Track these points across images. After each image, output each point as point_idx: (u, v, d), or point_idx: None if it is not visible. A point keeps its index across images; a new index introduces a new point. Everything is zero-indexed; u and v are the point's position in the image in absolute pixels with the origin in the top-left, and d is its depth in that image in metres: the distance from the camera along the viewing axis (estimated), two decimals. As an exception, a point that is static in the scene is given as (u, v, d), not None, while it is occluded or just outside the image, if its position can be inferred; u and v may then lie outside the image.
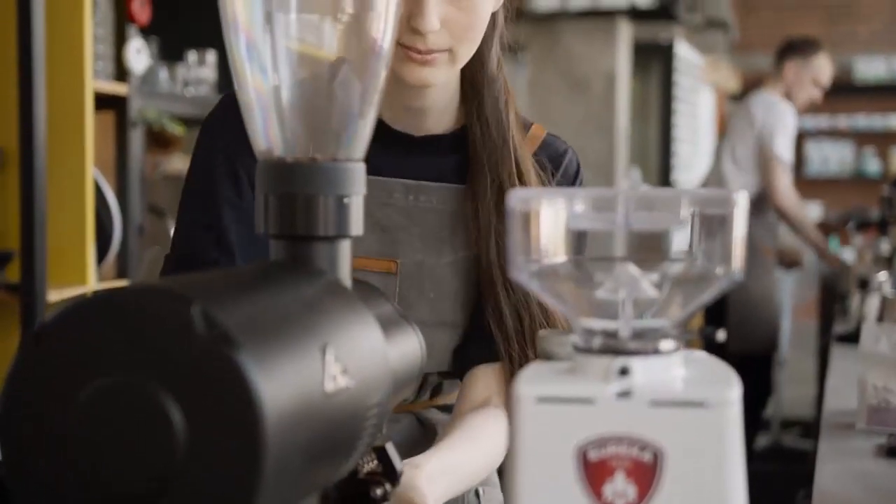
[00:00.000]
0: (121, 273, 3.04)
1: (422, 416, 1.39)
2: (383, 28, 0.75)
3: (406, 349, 0.80)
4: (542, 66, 5.49)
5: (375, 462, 0.79)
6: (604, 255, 0.69)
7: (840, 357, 2.65)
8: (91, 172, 2.85)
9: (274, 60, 0.73)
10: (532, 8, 5.48)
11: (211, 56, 3.55)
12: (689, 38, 7.55)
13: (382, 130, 1.31)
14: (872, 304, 2.60)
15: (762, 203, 4.48)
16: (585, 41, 5.67)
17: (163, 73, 3.39)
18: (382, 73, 0.76)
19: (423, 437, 1.37)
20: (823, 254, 4.73)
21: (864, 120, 9.38)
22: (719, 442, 0.61)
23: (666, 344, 0.64)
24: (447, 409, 1.41)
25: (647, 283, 0.64)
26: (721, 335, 0.63)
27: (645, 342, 0.64)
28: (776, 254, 4.71)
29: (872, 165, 9.44)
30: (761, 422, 5.11)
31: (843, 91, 7.85)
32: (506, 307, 1.29)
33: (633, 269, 0.65)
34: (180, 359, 0.55)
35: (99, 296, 0.58)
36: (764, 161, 4.42)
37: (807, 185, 9.21)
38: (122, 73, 3.04)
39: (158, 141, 3.90)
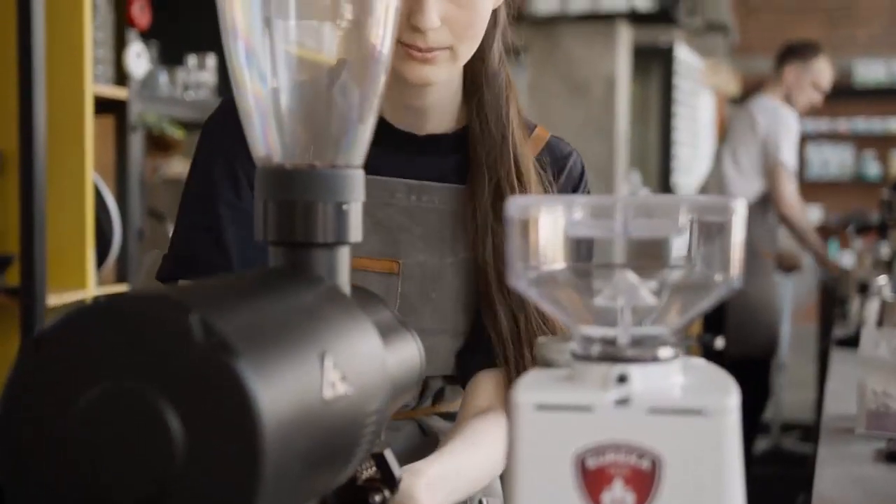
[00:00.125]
0: (120, 277, 3.05)
1: (424, 423, 1.39)
2: (382, 33, 0.75)
3: (405, 356, 0.80)
4: (541, 69, 5.50)
5: (374, 469, 0.79)
6: (602, 261, 0.69)
7: (840, 361, 2.65)
8: (91, 176, 2.85)
9: (273, 67, 0.73)
10: (532, 11, 5.48)
11: (211, 60, 3.55)
12: (689, 42, 7.55)
13: (385, 129, 1.31)
14: (872, 308, 2.60)
15: (762, 207, 4.48)
16: (585, 44, 5.68)
17: (163, 77, 3.39)
18: (382, 78, 0.76)
19: (424, 446, 1.35)
20: (823, 261, 4.73)
21: (864, 123, 9.39)
22: (718, 450, 0.61)
23: (664, 351, 0.64)
24: (450, 416, 1.40)
25: (645, 291, 0.64)
26: (720, 343, 0.63)
27: (643, 349, 0.64)
28: (775, 258, 4.71)
29: (872, 168, 9.44)
30: (760, 426, 5.11)
31: (843, 94, 7.86)
32: (501, 310, 1.29)
33: (631, 276, 0.65)
34: (179, 366, 0.55)
35: (98, 303, 0.58)
36: (770, 169, 4.42)
37: (807, 188, 9.19)
38: (122, 77, 3.04)
39: (158, 144, 3.91)
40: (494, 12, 1.31)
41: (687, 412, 0.61)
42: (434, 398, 1.39)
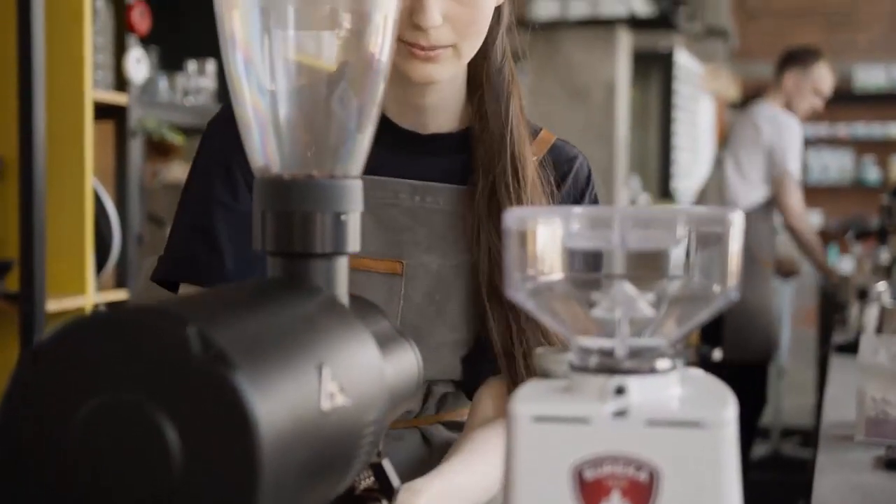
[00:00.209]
0: (120, 282, 3.05)
1: (427, 432, 1.36)
2: (381, 42, 0.75)
3: (403, 366, 0.80)
4: (541, 74, 5.50)
5: (372, 479, 0.79)
6: (600, 272, 0.69)
7: (839, 367, 2.65)
8: (90, 182, 2.85)
9: (272, 77, 0.73)
10: (532, 16, 5.49)
11: (210, 65, 3.56)
12: (689, 47, 7.56)
13: (389, 128, 1.30)
14: (871, 314, 2.60)
15: (764, 214, 4.48)
16: (585, 50, 5.69)
17: (162, 83, 3.39)
18: (381, 87, 0.76)
19: (427, 456, 1.34)
20: (824, 269, 4.73)
21: (864, 128, 9.40)
22: (715, 462, 0.61)
23: (662, 363, 0.64)
24: (453, 426, 1.38)
25: (643, 303, 0.64)
26: (717, 354, 0.63)
27: (641, 361, 0.64)
28: (774, 264, 4.71)
29: (872, 173, 9.45)
30: (759, 431, 5.11)
31: (843, 99, 7.86)
32: (493, 316, 1.28)
33: (629, 288, 0.65)
34: (177, 379, 0.55)
35: (97, 315, 0.58)
36: (777, 179, 4.42)
37: (806, 193, 9.16)
38: (121, 82, 3.04)
39: (158, 149, 3.91)
40: (498, 9, 1.30)
41: (685, 424, 0.61)
42: (437, 406, 1.37)
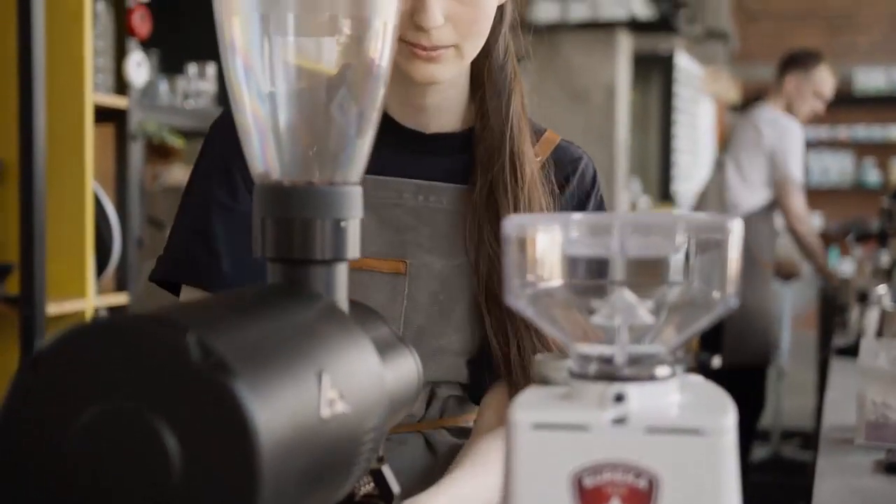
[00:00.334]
0: (120, 286, 3.05)
1: (430, 437, 1.35)
2: (381, 47, 0.75)
3: (403, 371, 0.80)
4: (541, 76, 5.50)
5: (372, 484, 0.79)
6: (600, 279, 0.69)
7: (839, 370, 2.65)
8: (91, 185, 2.85)
9: (272, 83, 0.73)
10: (532, 19, 5.49)
11: (211, 69, 3.56)
12: (689, 49, 7.56)
13: (392, 128, 1.30)
14: (872, 317, 2.60)
15: (764, 217, 4.48)
16: (585, 52, 5.69)
17: (163, 86, 3.40)
18: (381, 92, 0.76)
19: (431, 463, 1.33)
20: (825, 272, 4.74)
21: (864, 130, 9.41)
22: (715, 469, 0.61)
23: (661, 370, 0.64)
24: (458, 432, 1.36)
25: (643, 310, 0.64)
26: (716, 361, 0.63)
27: (641, 368, 0.64)
28: (774, 266, 4.71)
29: (872, 176, 9.46)
30: (757, 434, 5.10)
31: (843, 102, 7.87)
32: (492, 317, 1.27)
33: (629, 295, 0.65)
34: (177, 387, 0.55)
35: (97, 322, 0.58)
36: (779, 183, 4.42)
37: (807, 195, 9.20)
38: (122, 86, 3.05)
39: (158, 152, 3.91)
40: (500, 7, 1.29)
41: (684, 431, 0.61)
42: (442, 409, 1.35)
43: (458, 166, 1.32)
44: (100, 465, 0.56)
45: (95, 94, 2.89)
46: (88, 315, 2.86)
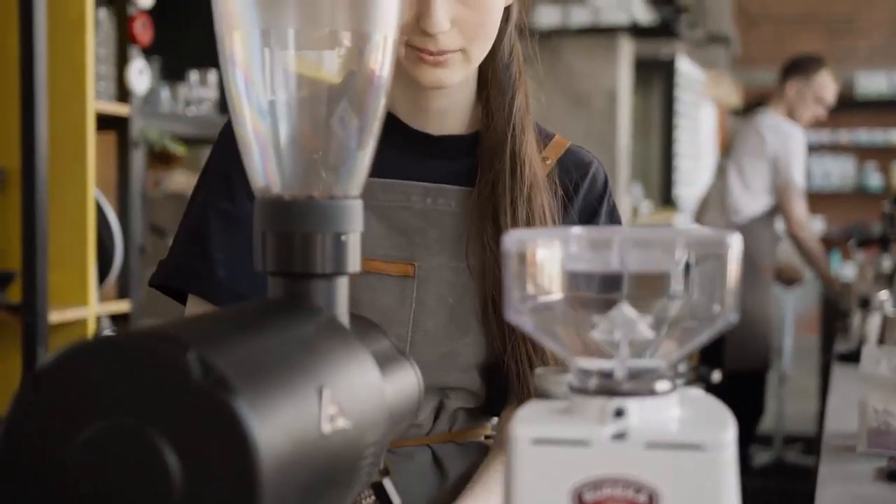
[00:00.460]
0: (122, 293, 3.05)
1: (439, 452, 1.32)
2: (381, 60, 0.76)
3: (403, 384, 0.80)
4: (543, 82, 5.50)
5: (373, 498, 0.80)
6: (600, 294, 0.69)
7: (841, 376, 2.64)
8: (92, 193, 2.86)
9: (272, 97, 0.73)
10: (534, 24, 5.49)
11: (212, 76, 3.56)
12: (691, 54, 7.57)
13: (400, 130, 1.30)
14: (873, 323, 2.60)
15: (766, 222, 4.48)
16: (587, 58, 5.69)
17: (164, 93, 3.40)
18: (382, 102, 0.76)
19: (439, 478, 1.31)
20: (826, 278, 4.73)
21: (866, 134, 9.41)
22: (715, 484, 0.61)
23: (661, 384, 0.65)
24: (468, 447, 1.34)
25: (643, 325, 0.64)
26: (716, 376, 0.64)
27: (640, 383, 0.64)
28: (775, 271, 4.71)
29: (874, 180, 9.46)
30: (756, 438, 5.10)
31: (845, 106, 7.87)
32: (491, 324, 1.26)
33: (629, 310, 0.65)
34: (177, 404, 0.55)
35: (97, 339, 0.58)
36: (781, 189, 4.42)
37: (808, 199, 9.19)
38: (123, 93, 3.05)
39: (160, 157, 3.91)
40: (507, 9, 1.28)
41: (684, 447, 0.61)
42: (451, 422, 1.33)
43: (466, 168, 1.31)
44: (101, 482, 0.56)
45: (97, 102, 2.90)
46: (90, 323, 2.86)
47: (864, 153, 9.51)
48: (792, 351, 5.75)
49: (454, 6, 1.18)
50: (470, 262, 1.28)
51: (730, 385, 4.41)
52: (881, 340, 2.31)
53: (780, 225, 4.60)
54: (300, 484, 0.59)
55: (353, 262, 0.74)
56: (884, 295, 2.80)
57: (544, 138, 1.36)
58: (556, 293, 0.67)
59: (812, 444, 4.89)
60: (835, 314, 4.46)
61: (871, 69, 9.27)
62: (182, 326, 0.60)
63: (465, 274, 1.28)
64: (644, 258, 0.66)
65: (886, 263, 3.63)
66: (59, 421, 0.57)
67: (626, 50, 5.86)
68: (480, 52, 1.24)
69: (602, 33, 5.68)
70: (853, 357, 2.60)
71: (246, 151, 0.74)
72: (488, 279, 1.27)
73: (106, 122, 3.00)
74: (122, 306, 3.04)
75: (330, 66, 0.75)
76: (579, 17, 5.67)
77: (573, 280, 0.67)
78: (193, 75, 3.55)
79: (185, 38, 3.06)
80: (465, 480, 1.31)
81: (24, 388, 0.58)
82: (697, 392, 0.69)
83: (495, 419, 1.40)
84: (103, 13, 3.02)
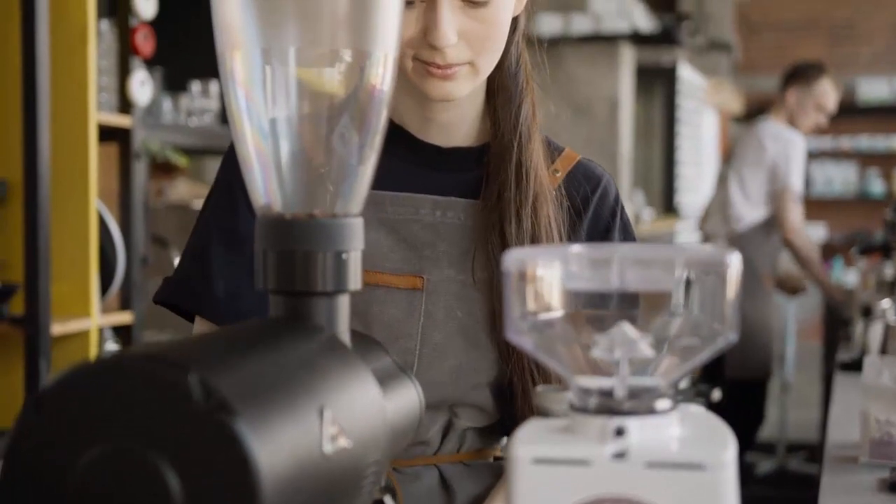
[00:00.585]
0: (124, 305, 3.05)
1: (446, 472, 1.30)
2: (382, 75, 0.76)
3: (404, 402, 0.80)
4: (544, 90, 5.50)
5: (375, 515, 0.80)
6: (600, 312, 0.70)
7: (843, 386, 2.64)
8: (94, 204, 2.86)
9: (273, 115, 0.73)
10: (535, 32, 5.48)
11: (214, 86, 3.56)
12: (692, 60, 7.57)
13: (409, 143, 1.30)
14: (875, 331, 2.59)
15: (766, 231, 4.48)
16: (588, 65, 5.69)
17: (166, 104, 3.40)
18: (383, 115, 0.76)
19: (446, 501, 1.29)
20: (825, 287, 4.73)
21: (868, 141, 9.41)
22: (716, 503, 0.61)
23: (661, 403, 0.65)
24: (477, 469, 1.32)
25: (643, 344, 0.65)
26: (716, 394, 0.64)
27: (641, 402, 0.65)
28: (776, 281, 4.71)
29: (876, 186, 9.46)
30: (760, 446, 5.10)
31: (847, 112, 7.87)
32: (492, 337, 1.25)
33: (629, 329, 0.65)
34: (179, 427, 0.56)
35: (99, 362, 0.58)
36: (777, 194, 4.43)
37: (811, 205, 9.20)
38: (125, 104, 3.05)
39: (163, 167, 3.91)
40: (514, 19, 1.28)
41: (684, 466, 0.62)
42: (459, 442, 1.31)
43: (475, 180, 1.30)
44: (103, 504, 0.57)
45: (99, 114, 2.90)
46: (93, 335, 2.86)
47: (866, 159, 9.51)
48: (795, 358, 5.74)
49: (461, 19, 1.17)
50: (477, 275, 1.27)
51: (730, 393, 4.42)
52: (883, 350, 2.31)
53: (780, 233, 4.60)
54: (301, 505, 0.59)
55: (355, 280, 0.74)
56: (886, 303, 2.80)
57: (554, 151, 1.36)
58: (555, 312, 0.67)
59: (815, 452, 4.88)
60: (837, 322, 4.46)
61: (872, 75, 9.28)
62: (183, 348, 0.60)
63: (473, 287, 1.27)
64: (644, 276, 0.66)
65: (889, 271, 3.63)
66: (60, 443, 0.58)
67: (628, 57, 5.86)
68: (488, 65, 1.23)
69: (603, 41, 5.69)
70: (855, 366, 2.60)
71: (247, 169, 0.74)
72: (495, 292, 1.26)
73: (108, 134, 3.01)
74: (125, 318, 3.04)
75: (331, 84, 0.76)
76: (580, 25, 5.67)
77: (573, 298, 0.67)
78: (195, 86, 3.55)
79: (187, 49, 3.06)
80: (473, 503, 1.30)
81: (26, 410, 0.58)
82: (698, 409, 0.70)
83: (506, 439, 1.37)
84: (105, 25, 3.03)
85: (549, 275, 0.67)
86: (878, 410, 1.73)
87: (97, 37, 2.92)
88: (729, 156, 4.92)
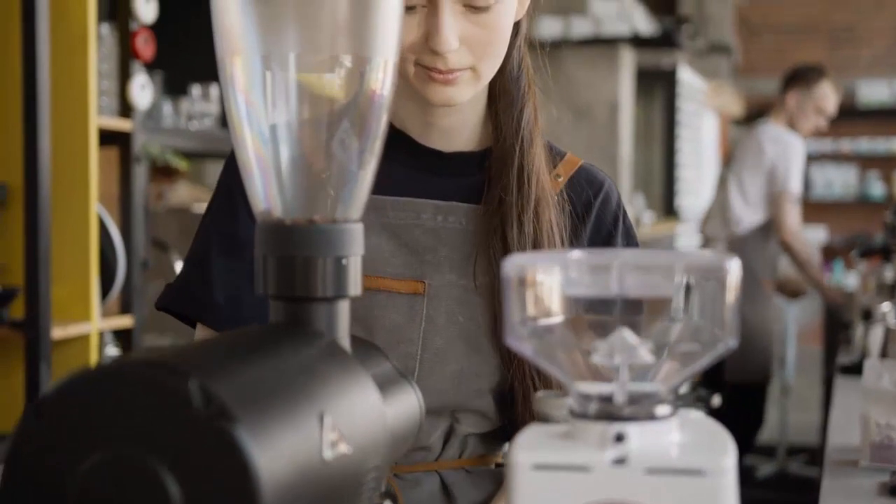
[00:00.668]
0: (125, 308, 3.05)
1: (447, 478, 1.29)
2: (382, 79, 0.76)
3: (404, 407, 0.80)
4: (544, 93, 5.50)
5: (375, 521, 0.80)
6: (599, 317, 0.70)
7: (843, 389, 2.64)
8: (95, 208, 2.86)
9: (273, 121, 0.74)
10: (535, 36, 5.48)
11: (215, 90, 3.56)
12: (692, 63, 7.58)
13: (411, 147, 1.29)
14: (876, 335, 2.59)
15: (765, 234, 4.48)
16: (588, 69, 5.70)
17: (167, 108, 3.40)
18: (383, 120, 0.76)
19: None
20: (822, 290, 4.72)
21: (868, 143, 9.42)
22: (715, 509, 0.61)
23: (661, 409, 0.65)
24: (479, 475, 1.31)
25: (643, 350, 0.65)
26: (716, 401, 0.64)
27: (640, 407, 0.65)
28: (775, 285, 4.71)
29: (876, 189, 9.46)
30: (759, 448, 5.09)
31: (847, 115, 7.88)
32: (493, 343, 1.25)
33: (628, 334, 0.65)
34: (179, 433, 0.56)
35: (99, 369, 0.58)
36: (774, 196, 4.43)
37: (811, 208, 9.23)
38: (126, 108, 3.05)
39: (163, 170, 3.91)
40: (517, 23, 1.27)
41: (684, 472, 0.62)
42: (461, 448, 1.30)
43: (477, 185, 1.30)
44: (103, 511, 0.57)
45: (100, 118, 2.90)
46: (93, 338, 2.87)
47: (866, 162, 9.52)
48: (795, 361, 5.74)
49: (463, 25, 1.17)
50: (478, 279, 1.27)
51: (730, 396, 4.41)
52: (884, 353, 2.31)
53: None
54: (301, 511, 0.59)
55: (355, 286, 0.74)
56: (886, 307, 2.79)
57: (556, 156, 1.35)
58: (555, 318, 0.67)
59: (815, 455, 4.88)
60: (837, 325, 4.45)
61: (872, 78, 9.28)
62: (183, 354, 0.60)
63: (475, 292, 1.27)
64: (643, 282, 0.66)
65: (889, 274, 3.63)
66: (61, 449, 0.58)
67: (628, 60, 5.87)
68: (490, 70, 1.23)
69: (603, 44, 5.69)
70: (856, 369, 2.60)
71: (247, 175, 0.74)
72: (496, 297, 1.26)
73: (108, 138, 3.01)
74: (125, 321, 3.04)
75: (331, 89, 0.76)
76: (580, 28, 5.68)
77: (572, 304, 0.67)
78: (196, 90, 3.55)
79: (188, 53, 3.07)
80: None
81: (26, 416, 0.59)
82: (698, 415, 0.70)
83: (507, 446, 1.36)
84: (105, 28, 3.03)
85: (548, 281, 0.67)
86: (878, 414, 1.72)
87: (97, 40, 2.93)
88: (729, 159, 4.93)
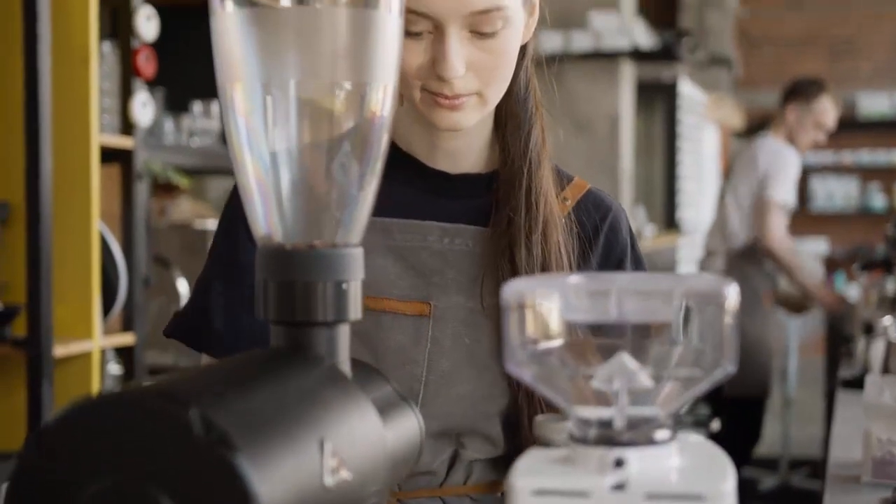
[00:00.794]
0: (127, 326, 3.05)
1: None
2: (382, 102, 0.76)
3: (404, 431, 0.80)
4: (545, 107, 5.51)
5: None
6: (598, 341, 0.70)
7: (845, 403, 2.63)
8: (97, 226, 2.87)
9: (273, 147, 0.74)
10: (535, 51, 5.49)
11: (216, 107, 3.57)
12: (693, 76, 7.59)
13: (417, 170, 1.29)
14: (877, 349, 2.59)
15: (761, 248, 4.47)
16: (588, 82, 5.71)
17: (168, 125, 3.41)
18: (384, 141, 0.76)
19: None
20: (819, 298, 4.69)
21: (869, 155, 9.43)
22: (714, 534, 0.62)
23: (661, 433, 0.65)
24: (483, 501, 1.29)
25: (643, 375, 0.65)
26: (715, 425, 0.64)
27: (640, 432, 0.65)
28: (778, 299, 4.70)
29: (878, 200, 9.47)
30: (757, 461, 5.08)
31: (847, 127, 7.89)
32: (497, 368, 1.24)
33: (628, 359, 0.65)
34: (180, 462, 0.56)
35: (100, 397, 0.59)
36: (758, 203, 4.43)
37: (812, 220, 9.24)
38: (127, 126, 3.06)
39: (165, 186, 3.92)
40: (523, 46, 1.27)
41: (684, 497, 0.62)
42: (466, 474, 1.28)
43: (484, 207, 1.29)
44: (105, 539, 0.57)
45: (101, 135, 2.91)
46: (95, 356, 2.87)
47: (867, 174, 9.52)
48: (797, 374, 5.74)
49: (469, 50, 1.17)
50: (485, 301, 1.26)
51: (728, 410, 4.40)
52: (885, 368, 2.31)
53: None
54: (302, 538, 0.59)
55: (355, 310, 0.74)
56: (888, 320, 2.79)
57: (563, 179, 1.35)
58: (554, 342, 0.67)
59: (818, 468, 4.87)
60: (839, 338, 4.44)
61: (872, 90, 9.30)
62: (183, 382, 0.61)
63: (482, 314, 1.26)
64: (642, 307, 0.66)
65: (891, 287, 3.62)
66: (62, 479, 0.58)
67: (628, 74, 5.87)
68: (496, 95, 1.22)
69: (604, 58, 5.70)
70: (857, 383, 2.60)
71: (248, 200, 0.74)
72: (492, 319, 1.25)
73: (110, 155, 3.01)
74: (127, 339, 3.04)
75: (331, 114, 0.76)
76: (581, 42, 5.69)
77: (572, 329, 0.68)
78: (197, 106, 3.56)
79: (188, 70, 3.07)
80: None
81: (28, 445, 0.59)
82: (697, 438, 0.70)
83: None
84: (107, 46, 3.04)
85: (548, 305, 0.67)
86: (879, 429, 1.72)
87: (99, 58, 2.93)
88: (728, 172, 4.93)
